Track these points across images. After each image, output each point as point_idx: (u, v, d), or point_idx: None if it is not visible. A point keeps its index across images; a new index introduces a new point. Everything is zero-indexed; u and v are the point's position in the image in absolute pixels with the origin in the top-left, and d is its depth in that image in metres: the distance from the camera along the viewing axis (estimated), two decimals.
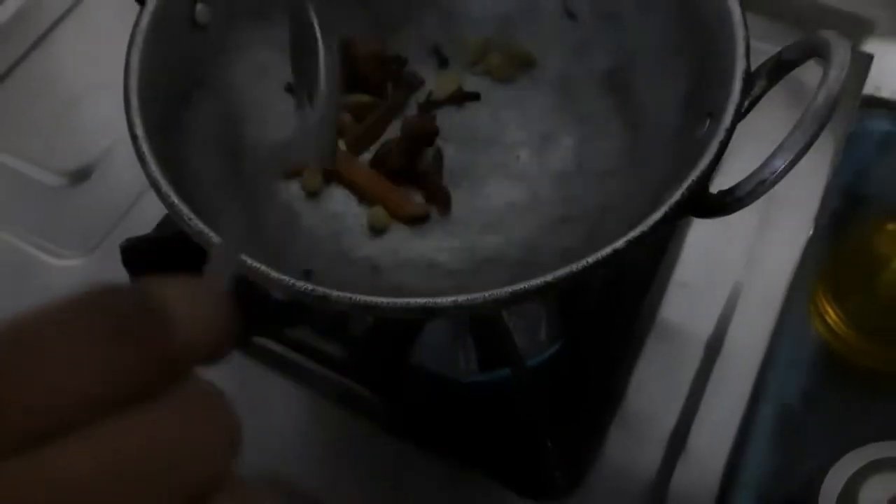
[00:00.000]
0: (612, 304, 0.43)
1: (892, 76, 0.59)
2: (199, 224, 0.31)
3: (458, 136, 0.44)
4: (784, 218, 0.47)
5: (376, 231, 0.41)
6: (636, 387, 0.41)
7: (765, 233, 0.46)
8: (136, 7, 0.38)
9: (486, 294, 0.29)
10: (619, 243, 0.30)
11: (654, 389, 0.42)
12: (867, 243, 0.59)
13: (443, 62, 0.46)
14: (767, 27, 0.51)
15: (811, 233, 0.48)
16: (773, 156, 0.29)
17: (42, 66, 0.53)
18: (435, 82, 0.45)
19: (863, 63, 0.49)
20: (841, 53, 0.28)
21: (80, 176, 0.48)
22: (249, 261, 0.30)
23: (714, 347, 0.43)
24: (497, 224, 0.41)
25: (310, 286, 0.29)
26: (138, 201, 0.46)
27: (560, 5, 0.44)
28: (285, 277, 0.29)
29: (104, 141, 0.49)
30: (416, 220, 0.41)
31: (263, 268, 0.29)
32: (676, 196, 0.31)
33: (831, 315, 0.59)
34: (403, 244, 0.41)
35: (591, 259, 0.30)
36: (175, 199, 0.31)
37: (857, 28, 0.57)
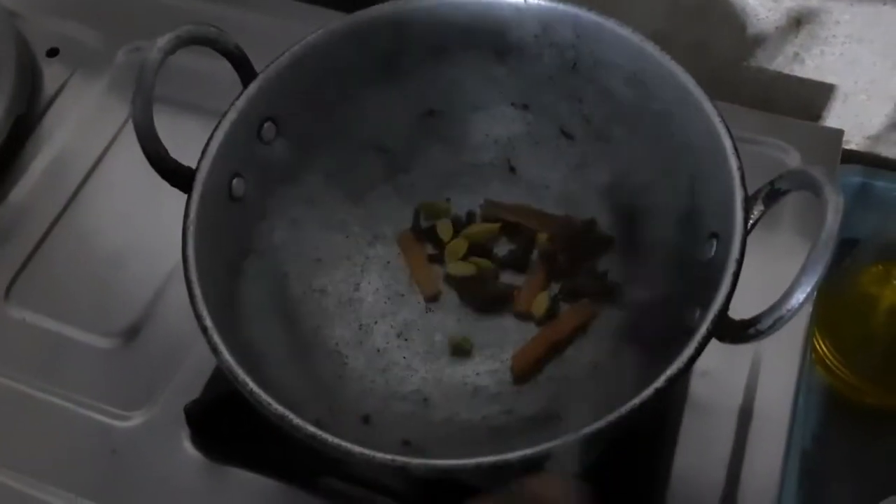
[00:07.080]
0: None
1: (857, 130, 0.63)
2: (279, 408, 0.34)
3: None
4: None
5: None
6: (678, 471, 0.43)
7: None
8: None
9: (551, 445, 0.32)
10: (660, 382, 0.33)
11: (695, 468, 0.43)
12: (856, 286, 0.63)
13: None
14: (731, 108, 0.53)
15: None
16: (787, 294, 0.32)
17: (74, 230, 0.52)
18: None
19: (835, 138, 0.53)
20: (834, 199, 0.32)
21: (130, 335, 0.48)
22: (331, 439, 0.33)
23: (746, 414, 0.45)
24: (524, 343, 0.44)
25: (388, 457, 0.32)
26: (190, 352, 0.46)
27: (557, 128, 0.48)
28: (377, 454, 0.32)
29: (146, 297, 0.49)
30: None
31: (358, 449, 0.32)
32: (702, 331, 0.34)
33: (832, 359, 0.63)
34: (445, 371, 0.44)
35: (636, 400, 0.33)
36: (253, 386, 0.34)
37: (823, 92, 0.61)
